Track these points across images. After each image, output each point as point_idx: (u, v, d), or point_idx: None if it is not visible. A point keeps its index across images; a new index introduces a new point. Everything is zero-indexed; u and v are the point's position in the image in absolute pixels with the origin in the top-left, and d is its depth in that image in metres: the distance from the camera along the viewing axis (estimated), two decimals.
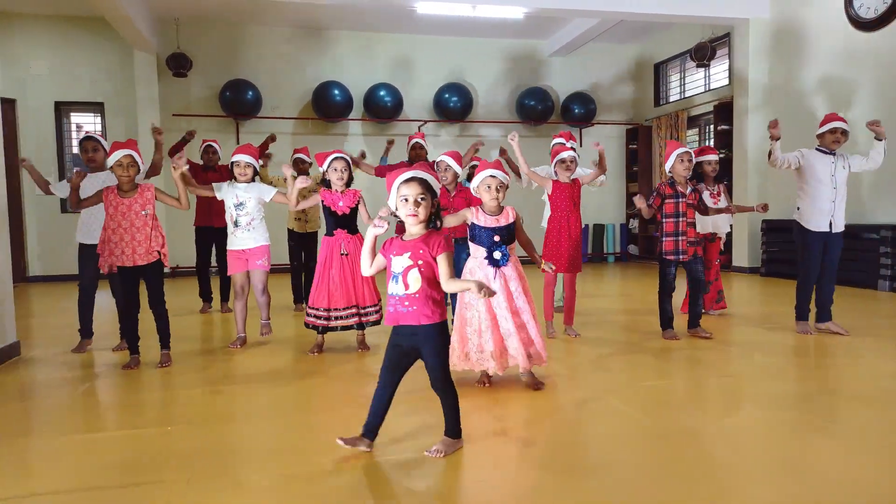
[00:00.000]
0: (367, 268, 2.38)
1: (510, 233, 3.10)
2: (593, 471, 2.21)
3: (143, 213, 3.66)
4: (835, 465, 2.22)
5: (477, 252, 3.13)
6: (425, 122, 9.81)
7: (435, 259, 2.27)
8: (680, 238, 4.19)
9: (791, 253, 7.31)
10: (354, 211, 3.99)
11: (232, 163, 4.18)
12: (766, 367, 3.62)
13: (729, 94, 8.70)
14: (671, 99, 10.25)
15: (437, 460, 2.27)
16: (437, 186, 2.33)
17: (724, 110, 8.72)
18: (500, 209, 3.11)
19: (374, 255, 2.36)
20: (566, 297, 4.48)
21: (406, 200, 2.26)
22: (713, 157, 5.02)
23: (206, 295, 5.87)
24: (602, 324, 4.93)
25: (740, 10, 8.09)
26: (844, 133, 4.28)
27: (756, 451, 2.36)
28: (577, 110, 10.16)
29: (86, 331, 4.27)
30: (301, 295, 5.79)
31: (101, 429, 2.76)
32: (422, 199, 2.26)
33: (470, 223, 3.12)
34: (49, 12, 8.62)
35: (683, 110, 9.55)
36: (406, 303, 2.27)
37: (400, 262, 2.27)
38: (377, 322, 4.01)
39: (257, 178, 4.31)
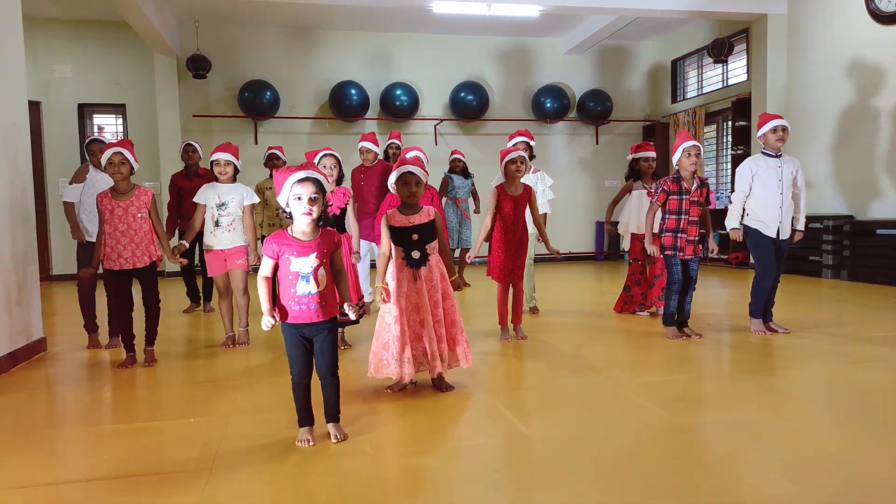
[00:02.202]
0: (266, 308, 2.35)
1: (429, 231, 2.98)
2: (614, 462, 2.24)
3: (140, 215, 3.66)
4: (851, 458, 2.22)
5: (397, 253, 3.01)
6: (441, 120, 9.85)
7: (332, 254, 2.41)
8: (679, 235, 4.08)
9: (804, 249, 7.28)
10: (344, 211, 3.89)
11: (211, 162, 4.15)
12: (776, 362, 3.61)
13: (747, 90, 8.63)
14: (688, 95, 10.19)
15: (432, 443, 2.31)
16: (328, 186, 2.41)
17: (742, 106, 8.65)
18: (419, 208, 3.01)
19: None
20: (514, 299, 4.26)
21: (299, 199, 2.31)
22: (651, 154, 4.98)
23: (192, 295, 5.88)
24: (614, 320, 4.94)
25: (758, 5, 8.03)
26: (786, 129, 4.15)
27: (771, 445, 2.37)
28: (593, 108, 10.13)
29: (91, 325, 4.36)
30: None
31: (125, 420, 2.84)
32: (315, 197, 2.31)
33: (387, 227, 2.98)
34: (73, 17, 8.79)
35: (701, 107, 9.48)
36: (318, 300, 2.35)
37: (307, 263, 2.33)
38: (356, 322, 3.90)
39: (237, 176, 4.27)
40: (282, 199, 2.35)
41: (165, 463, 2.29)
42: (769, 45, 8.13)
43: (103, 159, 3.67)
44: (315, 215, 2.33)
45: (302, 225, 2.35)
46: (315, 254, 2.34)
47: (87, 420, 2.89)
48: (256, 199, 4.27)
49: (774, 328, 4.31)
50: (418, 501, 1.98)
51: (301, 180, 2.31)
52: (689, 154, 4.03)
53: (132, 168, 3.69)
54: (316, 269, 2.33)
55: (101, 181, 4.27)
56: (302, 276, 2.33)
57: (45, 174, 8.64)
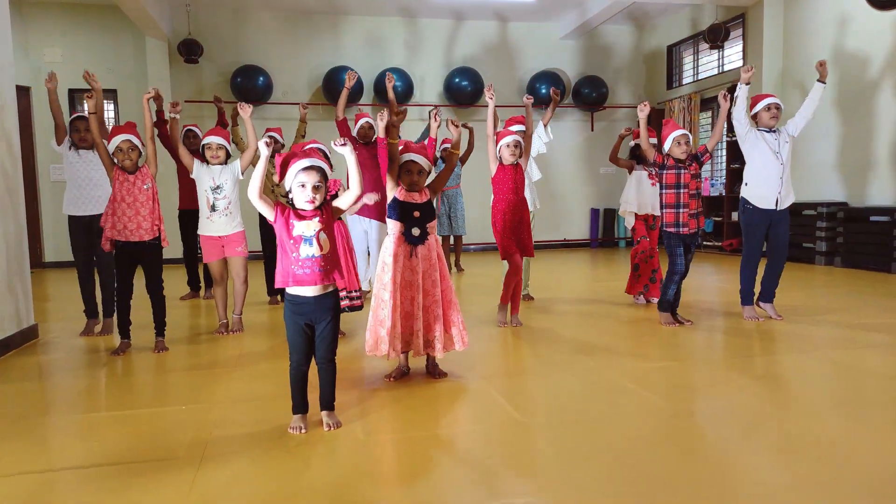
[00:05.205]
0: (255, 191, 2.36)
1: (430, 210, 3.04)
2: (608, 449, 2.23)
3: (145, 187, 3.68)
4: (845, 444, 2.23)
5: (394, 228, 3.02)
6: (436, 106, 9.76)
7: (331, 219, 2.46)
8: (681, 210, 4.10)
9: (799, 237, 7.28)
10: (335, 197, 3.88)
11: (203, 146, 4.11)
12: (769, 348, 3.62)
13: None
14: (685, 81, 10.14)
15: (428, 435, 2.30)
16: (330, 174, 2.49)
17: None
18: (420, 191, 3.07)
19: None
20: (513, 292, 4.24)
21: (303, 187, 2.37)
22: (653, 141, 4.97)
23: (193, 284, 5.83)
24: (608, 306, 4.95)
25: None
26: (779, 108, 4.23)
27: (765, 431, 2.38)
28: (588, 93, 10.09)
29: (91, 311, 4.32)
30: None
31: (117, 408, 2.82)
32: (318, 185, 2.38)
33: (391, 198, 3.04)
34: (62, 0, 8.66)
35: (697, 93, 9.44)
36: (322, 263, 2.39)
37: (310, 226, 2.38)
38: (359, 308, 3.83)
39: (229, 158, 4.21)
40: (286, 185, 2.40)
41: (157, 450, 2.28)
42: (765, 30, 8.08)
43: (111, 146, 3.65)
44: (318, 203, 2.39)
45: (304, 209, 2.42)
46: (318, 218, 2.39)
47: (79, 407, 2.87)
48: (237, 162, 4.15)
49: (770, 314, 4.31)
50: (411, 488, 1.98)
51: (306, 168, 2.36)
52: (679, 143, 4.09)
53: (141, 153, 3.73)
54: (318, 233, 2.38)
55: (77, 161, 4.20)
56: (305, 238, 2.37)
57: (35, 160, 8.55)
